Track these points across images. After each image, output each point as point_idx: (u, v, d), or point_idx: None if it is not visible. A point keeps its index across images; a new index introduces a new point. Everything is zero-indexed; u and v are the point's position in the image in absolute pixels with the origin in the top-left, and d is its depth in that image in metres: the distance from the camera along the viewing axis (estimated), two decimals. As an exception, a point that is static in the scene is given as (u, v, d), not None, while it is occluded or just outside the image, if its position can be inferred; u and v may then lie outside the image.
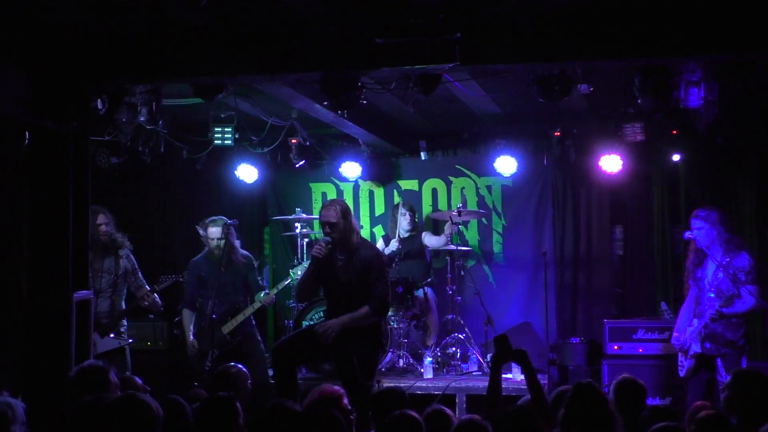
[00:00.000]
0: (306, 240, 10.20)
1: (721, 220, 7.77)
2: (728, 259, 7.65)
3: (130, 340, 8.49)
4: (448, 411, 5.17)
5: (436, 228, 10.80)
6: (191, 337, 8.83)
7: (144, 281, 8.58)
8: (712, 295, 7.65)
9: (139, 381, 5.75)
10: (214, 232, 8.82)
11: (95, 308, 7.69)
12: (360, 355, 7.00)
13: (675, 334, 7.94)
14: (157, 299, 8.59)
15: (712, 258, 7.69)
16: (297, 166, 10.65)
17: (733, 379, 5.00)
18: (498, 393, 5.35)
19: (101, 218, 8.24)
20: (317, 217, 10.79)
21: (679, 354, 7.85)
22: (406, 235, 10.21)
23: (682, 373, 7.80)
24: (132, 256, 8.56)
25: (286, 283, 8.92)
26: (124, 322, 8.51)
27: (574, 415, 4.41)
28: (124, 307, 8.44)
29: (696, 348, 7.63)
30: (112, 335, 8.22)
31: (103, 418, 4.11)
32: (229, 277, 8.77)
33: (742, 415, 4.82)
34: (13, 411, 4.26)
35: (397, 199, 10.92)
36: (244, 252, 9.02)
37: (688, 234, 8.26)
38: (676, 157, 9.81)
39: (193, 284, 8.87)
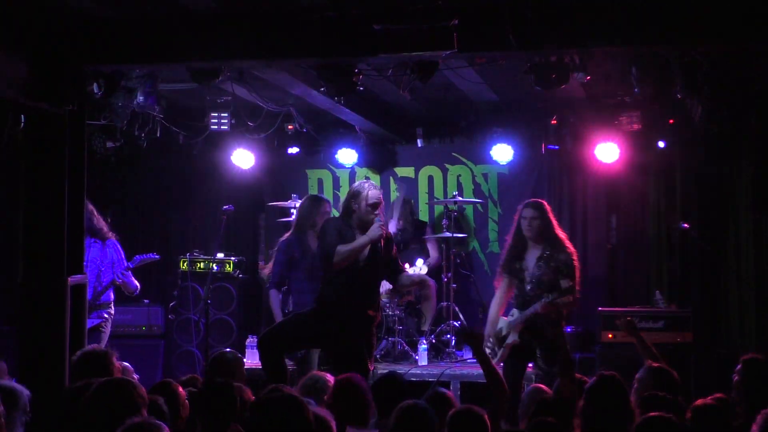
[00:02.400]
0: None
1: (551, 213, 7.78)
2: (549, 252, 7.56)
3: (100, 320, 8.34)
4: (449, 393, 5.19)
5: (432, 218, 10.81)
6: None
7: (125, 270, 8.54)
8: (529, 287, 7.55)
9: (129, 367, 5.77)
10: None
11: None
12: (366, 337, 7.07)
13: (488, 327, 7.71)
14: (131, 280, 8.52)
15: (535, 249, 7.62)
16: (294, 152, 10.68)
17: (743, 366, 5.05)
18: (500, 381, 5.24)
19: None
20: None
21: (488, 341, 7.63)
22: (404, 227, 10.21)
23: (494, 360, 7.38)
24: (118, 246, 8.54)
25: None
26: (112, 310, 8.48)
27: (596, 406, 4.42)
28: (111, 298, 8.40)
29: (513, 338, 7.48)
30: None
31: (92, 400, 4.10)
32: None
33: (751, 401, 4.87)
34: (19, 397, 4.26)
35: (393, 186, 10.91)
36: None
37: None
38: (660, 144, 9.82)
39: (283, 264, 8.47)
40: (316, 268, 8.19)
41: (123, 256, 8.55)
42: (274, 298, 8.54)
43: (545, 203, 7.89)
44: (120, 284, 8.46)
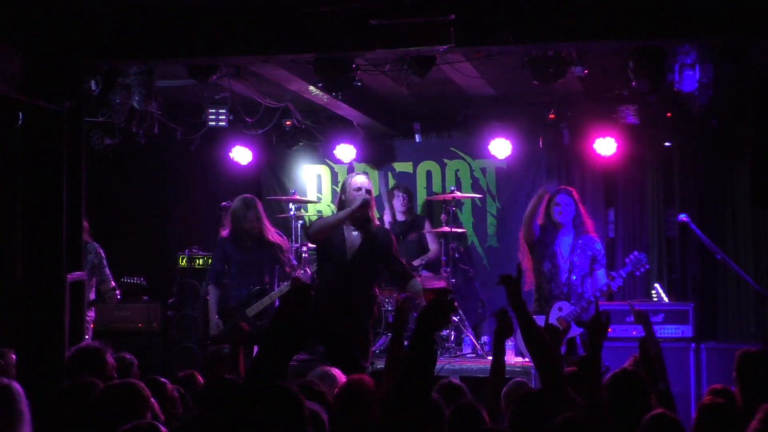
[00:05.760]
0: (300, 222, 10.20)
1: (581, 200, 7.98)
2: (583, 240, 7.80)
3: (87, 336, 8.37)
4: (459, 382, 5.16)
5: (431, 213, 10.81)
6: (215, 315, 8.46)
7: (110, 276, 8.51)
8: (575, 277, 7.76)
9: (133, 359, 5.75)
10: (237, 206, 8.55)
11: None
12: (360, 332, 7.05)
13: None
14: (115, 295, 8.51)
15: (566, 236, 7.84)
16: (291, 148, 10.69)
17: (739, 360, 5.05)
18: (502, 372, 5.18)
19: None
20: (312, 199, 10.88)
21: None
22: (402, 218, 10.22)
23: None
24: (101, 251, 8.53)
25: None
26: (91, 314, 8.48)
27: (618, 401, 4.40)
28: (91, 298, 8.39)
29: (576, 331, 7.37)
30: None
31: (98, 402, 4.10)
32: (254, 256, 8.50)
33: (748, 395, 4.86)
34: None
35: (392, 181, 10.92)
36: (276, 231, 8.74)
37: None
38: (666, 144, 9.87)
39: (220, 260, 8.57)
40: (249, 264, 8.41)
41: (105, 260, 8.55)
42: (211, 294, 8.57)
43: (574, 190, 8.15)
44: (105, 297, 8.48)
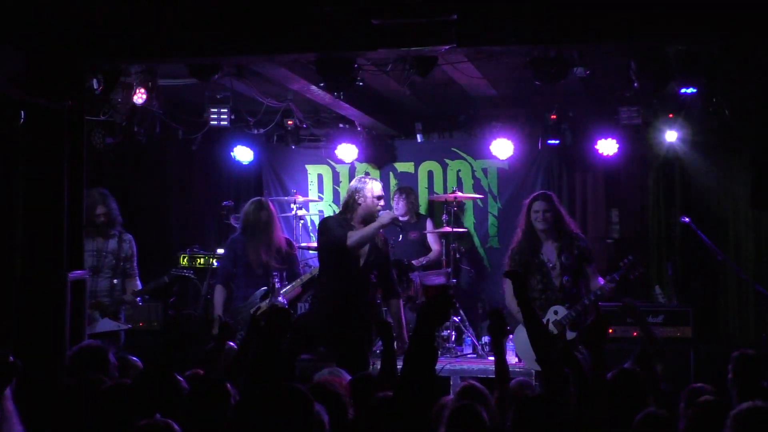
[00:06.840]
0: (302, 222, 10.19)
1: (558, 202, 8.03)
2: (568, 241, 7.78)
3: (129, 325, 8.40)
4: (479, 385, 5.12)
5: (432, 211, 10.80)
6: (219, 316, 8.45)
7: (137, 271, 8.50)
8: (566, 278, 7.73)
9: (137, 361, 5.74)
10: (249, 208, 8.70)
11: (95, 286, 7.92)
12: (365, 333, 7.14)
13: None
14: (136, 300, 8.50)
15: (551, 241, 7.83)
16: (293, 147, 10.69)
17: (735, 362, 5.06)
18: (506, 370, 5.13)
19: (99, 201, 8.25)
20: (313, 198, 10.88)
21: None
22: (405, 218, 10.21)
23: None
24: (134, 244, 8.52)
25: (309, 276, 8.55)
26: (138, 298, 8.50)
27: (616, 401, 4.39)
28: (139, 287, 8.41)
29: (572, 334, 7.44)
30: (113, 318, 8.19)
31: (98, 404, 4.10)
32: (263, 257, 8.52)
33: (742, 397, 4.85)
34: None
35: (393, 181, 10.91)
36: (284, 235, 8.86)
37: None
38: (672, 135, 9.78)
39: (230, 260, 8.65)
40: (257, 266, 8.46)
41: (136, 255, 8.53)
42: (217, 293, 8.63)
43: (553, 194, 8.11)
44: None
